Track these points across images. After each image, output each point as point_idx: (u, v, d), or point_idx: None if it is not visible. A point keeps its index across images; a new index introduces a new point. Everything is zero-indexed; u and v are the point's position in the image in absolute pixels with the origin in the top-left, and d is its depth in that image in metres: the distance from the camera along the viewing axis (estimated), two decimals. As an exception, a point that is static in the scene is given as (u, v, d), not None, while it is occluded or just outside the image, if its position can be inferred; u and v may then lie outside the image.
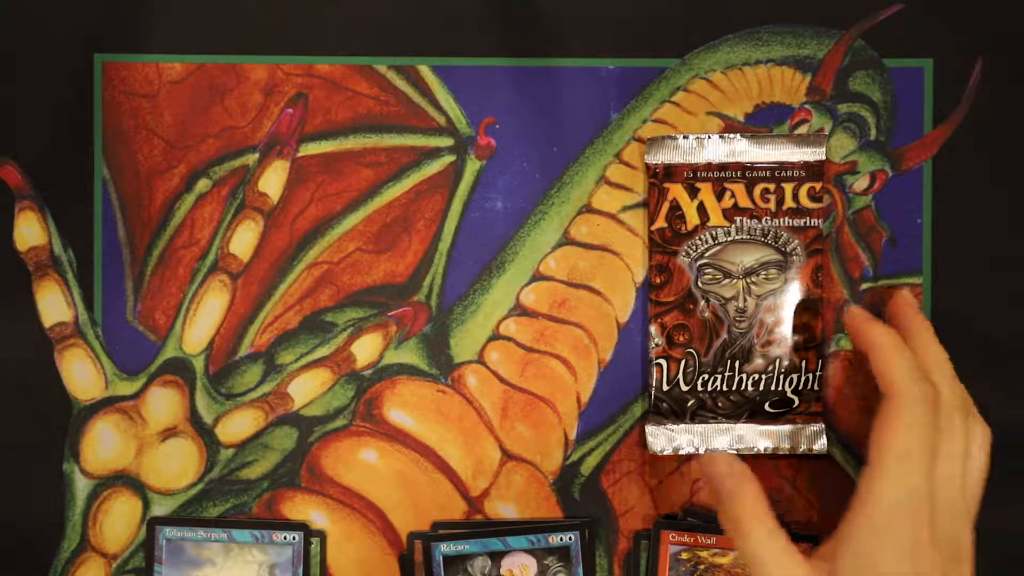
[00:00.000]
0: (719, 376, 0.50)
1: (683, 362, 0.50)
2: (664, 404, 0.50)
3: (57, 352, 0.51)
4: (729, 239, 0.50)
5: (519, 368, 0.51)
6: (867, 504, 0.42)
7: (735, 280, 0.50)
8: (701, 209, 0.50)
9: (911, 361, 0.43)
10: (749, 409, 0.50)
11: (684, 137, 0.50)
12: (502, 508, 0.51)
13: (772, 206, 0.50)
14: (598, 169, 0.51)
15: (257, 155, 0.51)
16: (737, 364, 0.50)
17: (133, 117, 0.51)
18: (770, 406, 0.50)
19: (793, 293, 0.50)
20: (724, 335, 0.50)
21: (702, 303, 0.50)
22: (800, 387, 0.50)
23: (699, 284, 0.50)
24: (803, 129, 0.51)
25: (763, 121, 0.51)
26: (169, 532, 0.51)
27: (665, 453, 0.50)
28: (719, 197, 0.50)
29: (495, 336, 0.51)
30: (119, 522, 0.51)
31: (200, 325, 0.51)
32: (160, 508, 0.51)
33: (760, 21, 0.51)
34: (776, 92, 0.51)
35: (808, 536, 0.50)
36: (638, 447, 0.51)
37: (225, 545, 0.51)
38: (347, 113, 0.51)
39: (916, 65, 0.51)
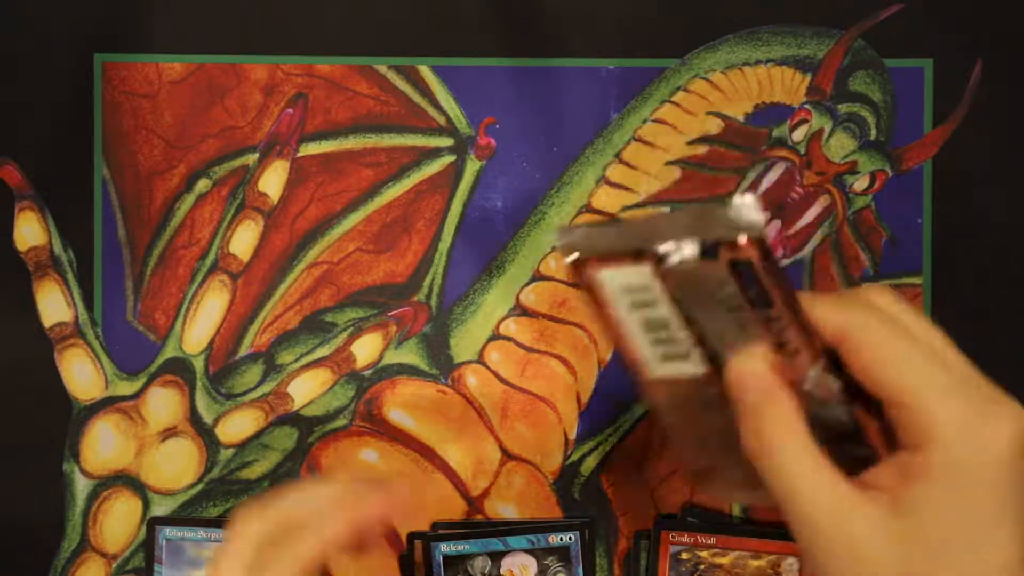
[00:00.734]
0: None
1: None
2: None
3: (57, 352, 0.51)
4: None
5: (519, 368, 0.51)
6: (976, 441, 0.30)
7: None
8: None
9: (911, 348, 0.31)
10: None
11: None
12: (502, 508, 0.51)
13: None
14: (598, 169, 0.51)
15: (257, 155, 0.51)
16: None
17: (133, 117, 0.51)
18: None
19: None
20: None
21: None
22: None
23: None
24: (803, 129, 0.51)
25: (763, 121, 0.51)
26: (169, 532, 0.50)
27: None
28: None
29: (495, 336, 0.51)
30: (119, 522, 0.51)
31: (200, 325, 0.51)
32: (160, 508, 0.51)
33: (760, 21, 0.51)
34: (776, 92, 0.51)
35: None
36: (638, 447, 0.51)
37: (225, 545, 0.51)
38: (347, 113, 0.51)
39: (916, 65, 0.51)
